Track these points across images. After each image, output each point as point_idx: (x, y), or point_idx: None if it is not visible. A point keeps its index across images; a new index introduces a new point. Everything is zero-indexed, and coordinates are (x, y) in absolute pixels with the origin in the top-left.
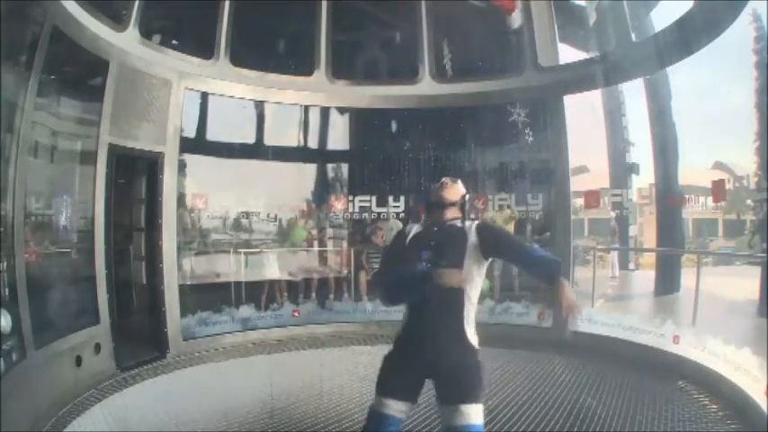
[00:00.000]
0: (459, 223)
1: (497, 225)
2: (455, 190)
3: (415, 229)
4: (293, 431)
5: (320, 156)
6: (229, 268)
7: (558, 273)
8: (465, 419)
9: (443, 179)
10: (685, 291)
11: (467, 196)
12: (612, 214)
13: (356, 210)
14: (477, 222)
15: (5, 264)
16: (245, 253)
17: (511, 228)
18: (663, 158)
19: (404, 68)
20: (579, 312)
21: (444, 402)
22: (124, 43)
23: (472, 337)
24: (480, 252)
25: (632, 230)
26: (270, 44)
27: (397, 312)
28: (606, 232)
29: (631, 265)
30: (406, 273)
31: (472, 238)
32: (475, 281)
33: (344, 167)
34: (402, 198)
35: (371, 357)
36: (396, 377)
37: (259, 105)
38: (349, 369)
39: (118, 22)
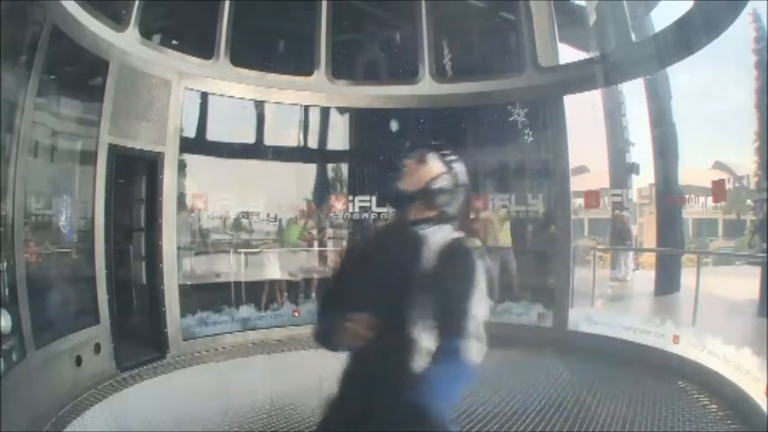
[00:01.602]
0: (425, 229)
1: (474, 260)
2: (421, 172)
3: (371, 235)
4: (293, 431)
5: (320, 156)
6: (229, 268)
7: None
8: None
9: (408, 158)
10: (685, 291)
11: (443, 178)
12: (625, 214)
13: (356, 210)
14: (455, 237)
15: (5, 264)
16: (245, 253)
17: (507, 228)
18: (663, 158)
19: (404, 68)
20: None
21: None
22: (124, 43)
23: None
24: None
25: (632, 230)
26: (270, 44)
27: None
28: (606, 232)
29: (631, 265)
30: (328, 317)
31: (431, 259)
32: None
33: (344, 167)
34: None
35: None
36: None
37: (259, 105)
38: None
39: (118, 22)
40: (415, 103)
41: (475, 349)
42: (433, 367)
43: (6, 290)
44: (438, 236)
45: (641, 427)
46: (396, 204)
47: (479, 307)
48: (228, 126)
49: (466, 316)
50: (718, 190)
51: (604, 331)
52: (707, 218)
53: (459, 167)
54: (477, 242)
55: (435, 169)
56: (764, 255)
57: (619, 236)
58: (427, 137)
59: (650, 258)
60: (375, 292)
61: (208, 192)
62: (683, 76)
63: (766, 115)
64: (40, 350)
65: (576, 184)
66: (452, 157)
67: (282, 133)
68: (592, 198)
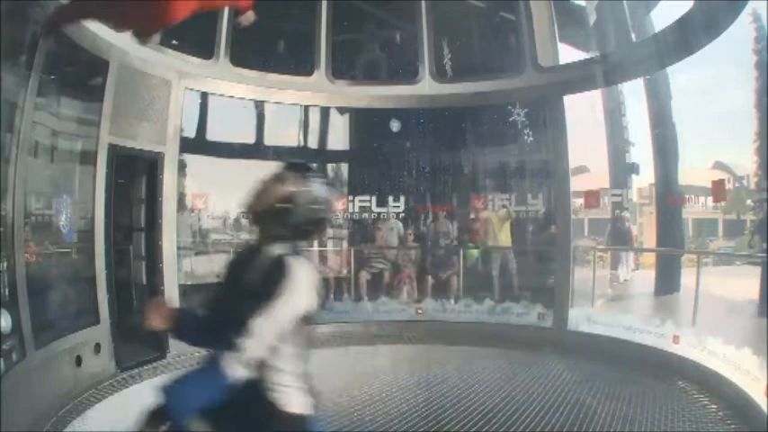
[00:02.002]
0: (267, 246)
1: (283, 283)
2: (271, 191)
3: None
4: None
5: (320, 156)
6: None
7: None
8: None
9: (265, 177)
10: (685, 291)
11: (296, 196)
12: (625, 214)
13: (356, 210)
14: (276, 256)
15: (5, 264)
16: None
17: (507, 228)
18: (663, 158)
19: (404, 68)
20: None
21: None
22: (124, 43)
23: (291, 404)
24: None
25: (632, 230)
26: (270, 44)
27: (400, 312)
28: (605, 231)
29: (631, 265)
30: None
31: (252, 276)
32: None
33: (344, 167)
34: (402, 198)
35: (371, 357)
36: None
37: (259, 105)
38: (349, 369)
39: None
40: (415, 103)
41: (236, 366)
42: (192, 371)
43: (6, 290)
44: (269, 253)
45: (641, 427)
46: (250, 221)
47: (270, 327)
48: (228, 126)
49: (245, 332)
50: (718, 190)
51: (604, 331)
52: (707, 218)
53: (316, 186)
54: (306, 262)
55: (287, 188)
56: (764, 255)
57: (618, 236)
58: (427, 137)
59: (650, 258)
60: (223, 302)
61: (208, 192)
62: (683, 76)
63: (766, 115)
64: (40, 350)
65: (576, 184)
66: (310, 175)
67: (282, 133)
68: (592, 198)
